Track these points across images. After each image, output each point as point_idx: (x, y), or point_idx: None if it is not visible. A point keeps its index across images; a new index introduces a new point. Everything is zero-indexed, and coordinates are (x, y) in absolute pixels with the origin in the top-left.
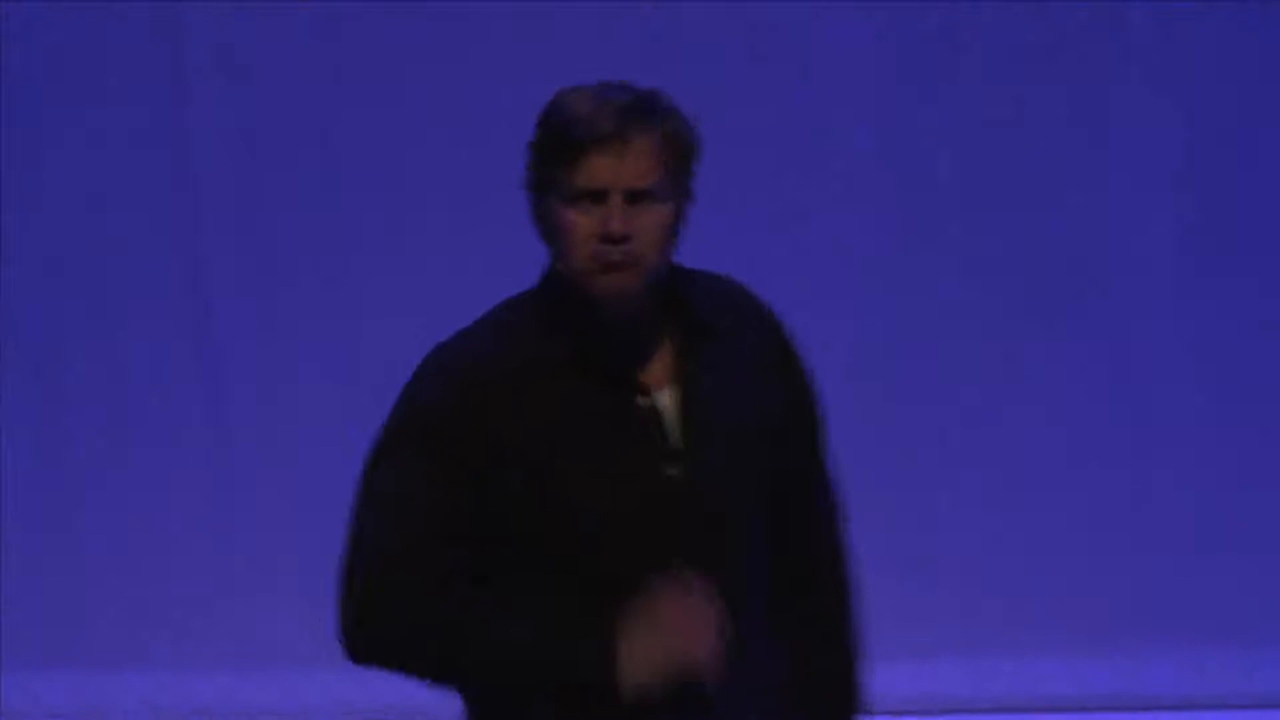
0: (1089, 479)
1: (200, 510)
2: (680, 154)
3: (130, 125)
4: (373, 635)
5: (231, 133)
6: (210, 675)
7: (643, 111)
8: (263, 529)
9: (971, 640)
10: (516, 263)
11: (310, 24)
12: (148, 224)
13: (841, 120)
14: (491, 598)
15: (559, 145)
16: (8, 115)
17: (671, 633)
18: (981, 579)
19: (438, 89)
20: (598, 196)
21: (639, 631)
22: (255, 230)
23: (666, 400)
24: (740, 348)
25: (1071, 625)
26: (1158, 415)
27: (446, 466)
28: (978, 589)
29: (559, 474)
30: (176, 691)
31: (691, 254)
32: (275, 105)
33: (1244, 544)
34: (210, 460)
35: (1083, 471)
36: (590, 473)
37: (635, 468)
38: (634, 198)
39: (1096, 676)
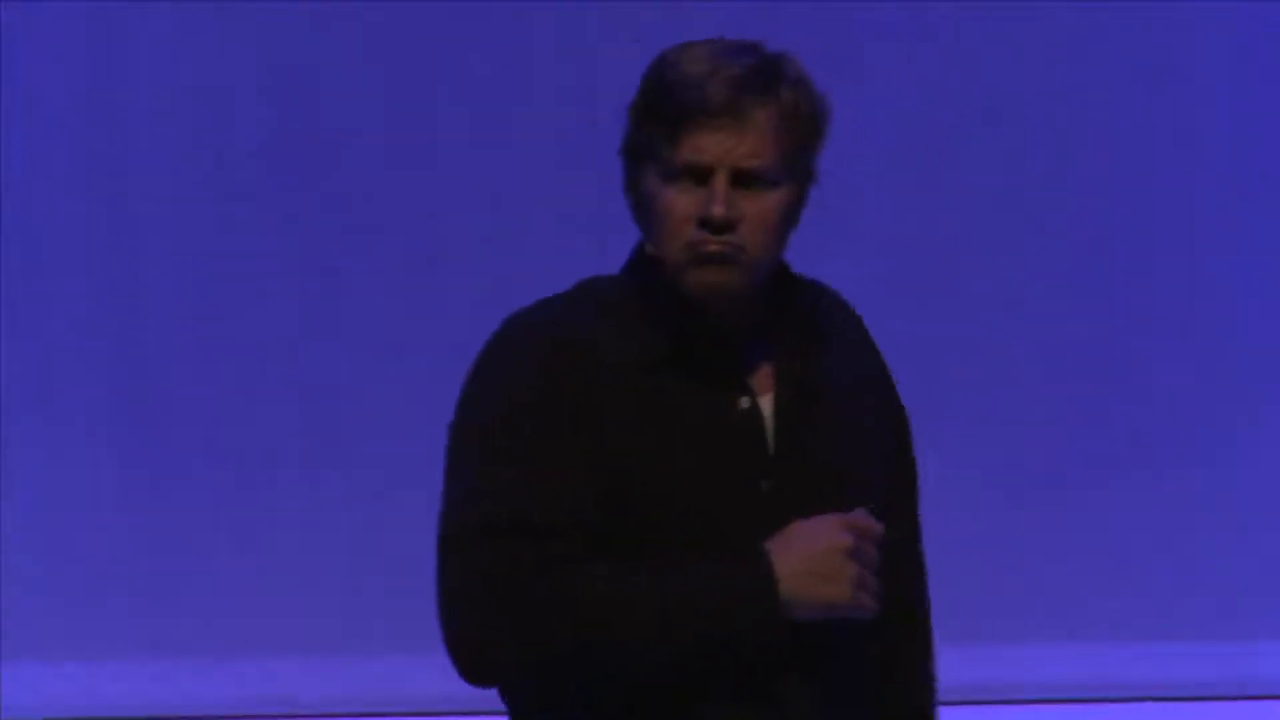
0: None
1: (209, 500)
2: (803, 132)
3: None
4: (480, 646)
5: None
6: (223, 664)
7: (762, 80)
8: (273, 520)
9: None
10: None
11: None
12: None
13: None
14: (603, 568)
15: (662, 112)
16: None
17: (826, 554)
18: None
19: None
20: (701, 175)
21: (793, 547)
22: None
23: (768, 407)
24: (846, 363)
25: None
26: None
27: (546, 449)
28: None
29: (647, 471)
30: (185, 681)
31: None
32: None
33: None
34: (224, 449)
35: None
36: (680, 475)
37: (728, 475)
38: (743, 180)
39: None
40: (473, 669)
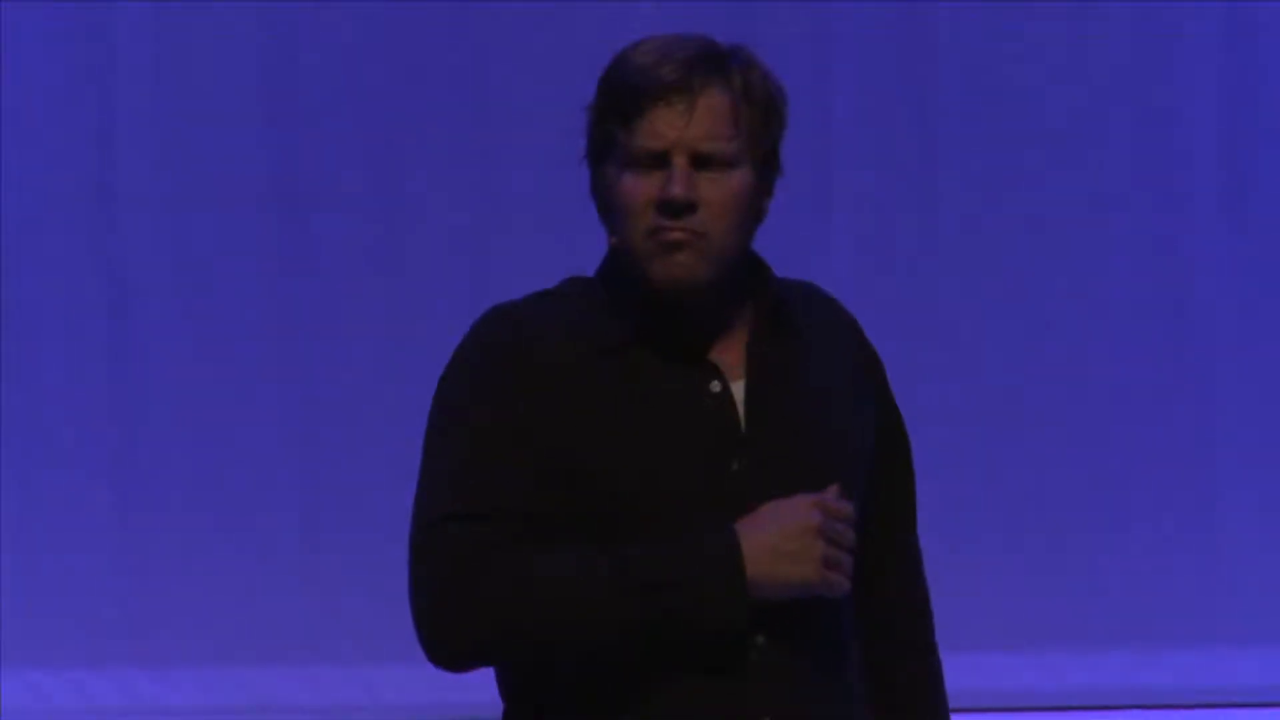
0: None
1: (205, 507)
2: (760, 113)
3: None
4: (449, 626)
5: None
6: (220, 670)
7: (714, 62)
8: (265, 525)
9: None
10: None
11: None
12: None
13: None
14: (569, 547)
15: (617, 102)
16: None
17: (795, 533)
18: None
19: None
20: (659, 160)
21: (762, 526)
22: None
23: (739, 391)
24: (824, 354)
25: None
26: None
27: (508, 441)
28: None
29: (617, 454)
30: (184, 687)
31: None
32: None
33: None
34: (219, 452)
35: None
36: (650, 457)
37: (699, 457)
38: (701, 162)
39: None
40: (438, 654)
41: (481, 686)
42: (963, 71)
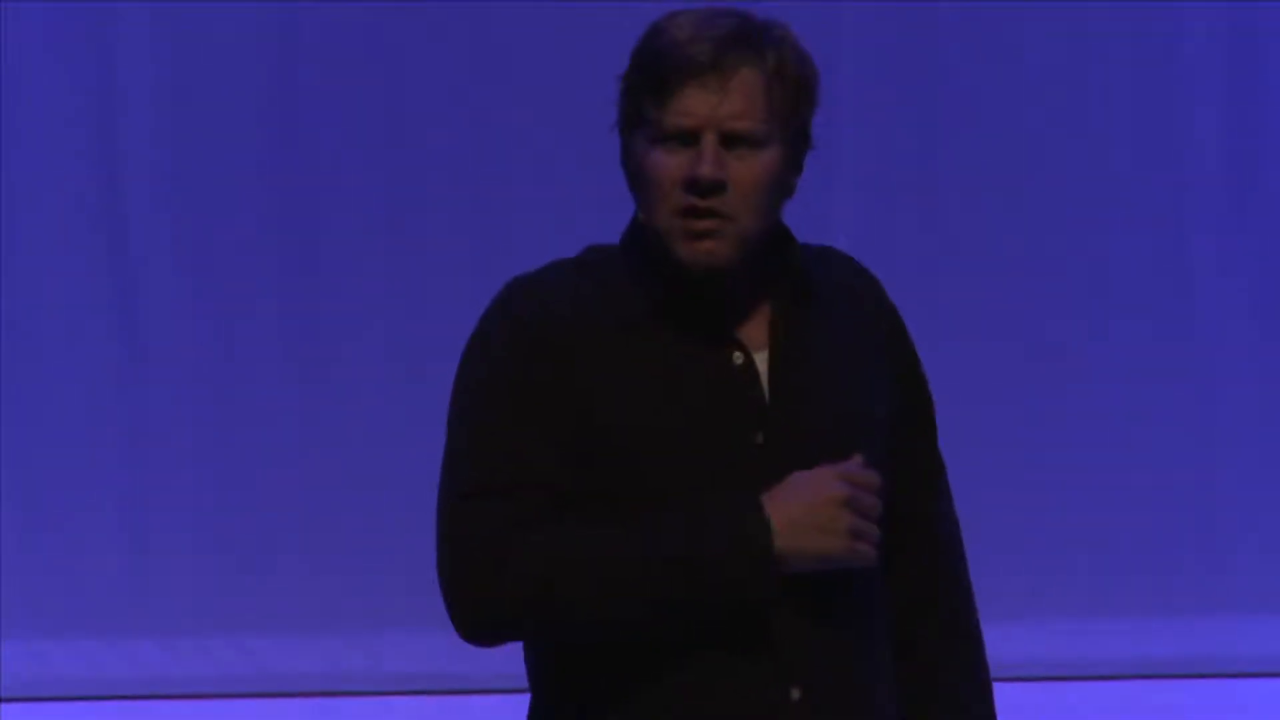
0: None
1: (203, 480)
2: (792, 93)
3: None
4: (479, 603)
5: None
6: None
7: (747, 40)
8: (265, 500)
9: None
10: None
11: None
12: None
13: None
14: (597, 521)
15: (649, 76)
16: None
17: (821, 505)
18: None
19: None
20: (689, 137)
21: (789, 499)
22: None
23: (763, 362)
24: (849, 321)
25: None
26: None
27: (531, 416)
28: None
29: (641, 429)
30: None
31: None
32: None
33: None
34: (222, 423)
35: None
36: (675, 430)
37: (723, 429)
38: (731, 141)
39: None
40: (467, 629)
41: (486, 656)
42: (965, 61)
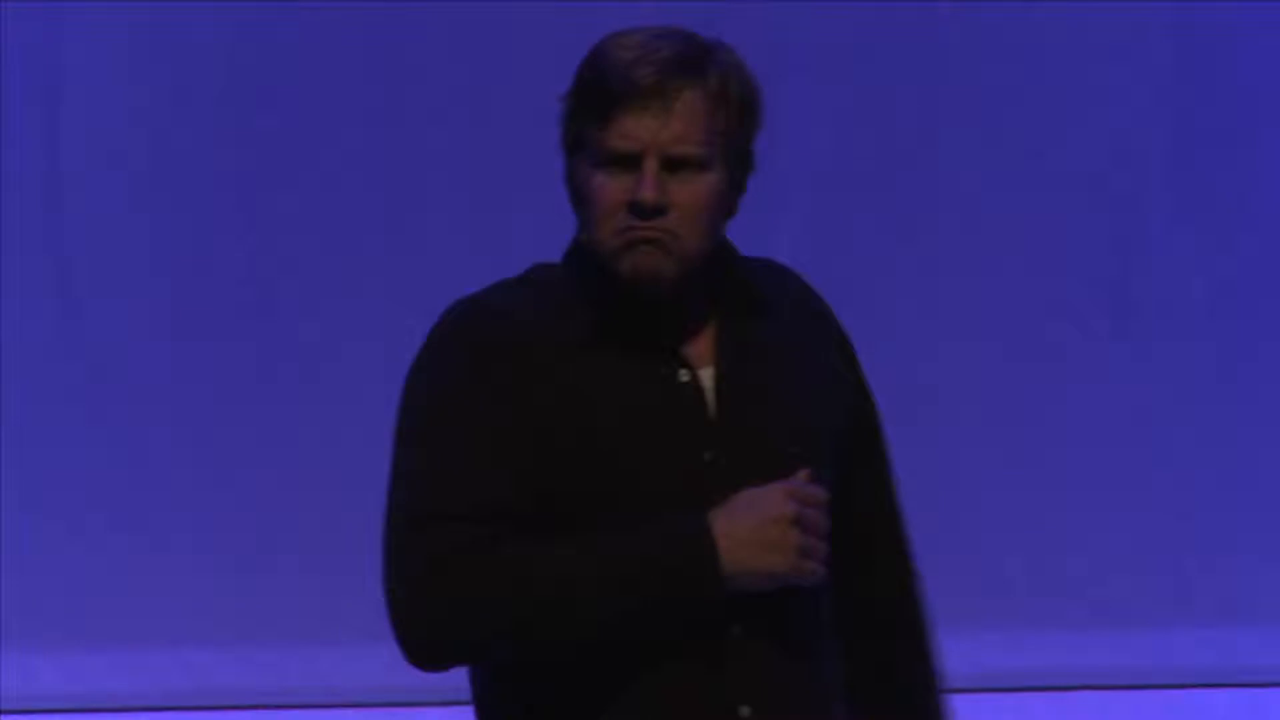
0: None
1: (198, 487)
2: (735, 115)
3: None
4: (428, 627)
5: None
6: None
7: (689, 63)
8: (260, 506)
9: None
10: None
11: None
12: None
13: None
14: (546, 543)
15: (591, 98)
16: None
17: (769, 523)
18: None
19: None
20: (631, 161)
21: (736, 517)
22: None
23: (708, 379)
24: (795, 334)
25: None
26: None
27: (476, 436)
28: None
29: (587, 449)
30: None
31: None
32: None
33: None
34: (210, 439)
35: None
36: (621, 450)
37: (670, 448)
38: (673, 164)
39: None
40: (416, 655)
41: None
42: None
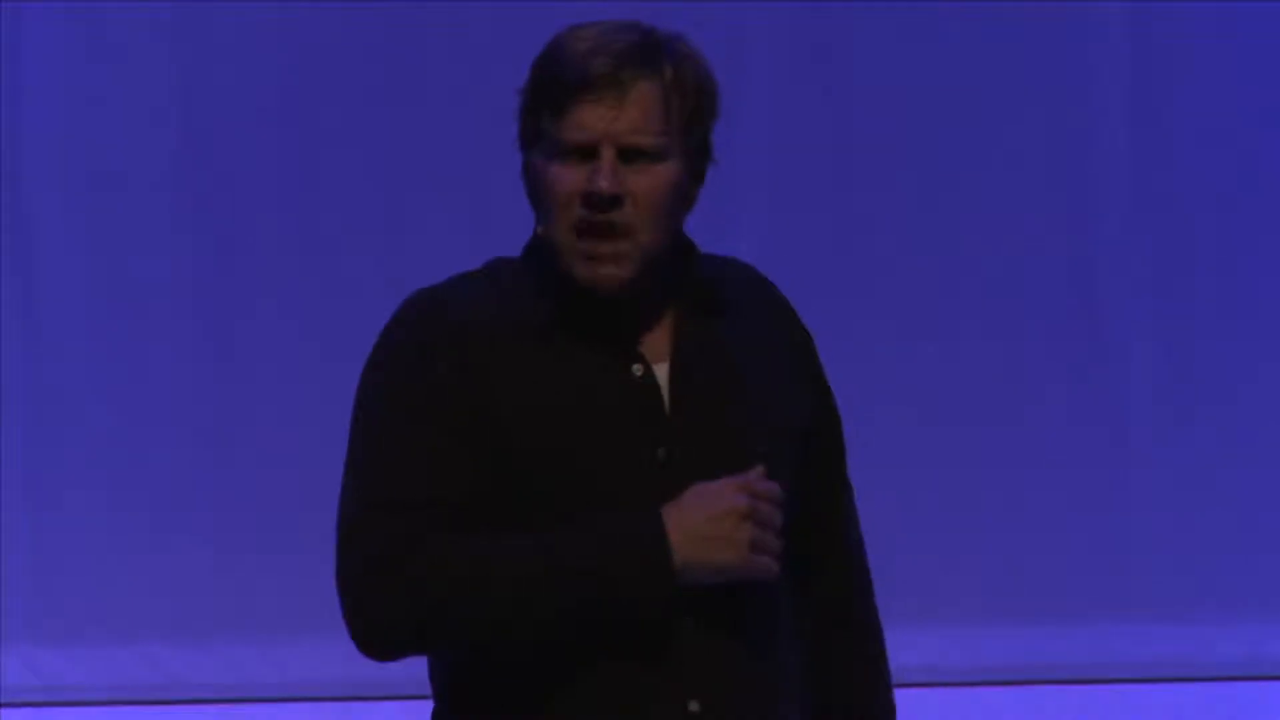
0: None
1: (193, 484)
2: (691, 105)
3: None
4: (379, 617)
5: None
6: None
7: (645, 54)
8: (258, 502)
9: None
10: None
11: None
12: None
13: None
14: (498, 537)
15: (547, 90)
16: None
17: (721, 517)
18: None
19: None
20: (587, 152)
21: (688, 511)
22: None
23: (664, 374)
24: (754, 332)
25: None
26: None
27: (431, 427)
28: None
29: (540, 443)
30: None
31: None
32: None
33: None
34: (210, 437)
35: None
36: (575, 444)
37: (623, 443)
38: (628, 155)
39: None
40: (369, 645)
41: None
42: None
